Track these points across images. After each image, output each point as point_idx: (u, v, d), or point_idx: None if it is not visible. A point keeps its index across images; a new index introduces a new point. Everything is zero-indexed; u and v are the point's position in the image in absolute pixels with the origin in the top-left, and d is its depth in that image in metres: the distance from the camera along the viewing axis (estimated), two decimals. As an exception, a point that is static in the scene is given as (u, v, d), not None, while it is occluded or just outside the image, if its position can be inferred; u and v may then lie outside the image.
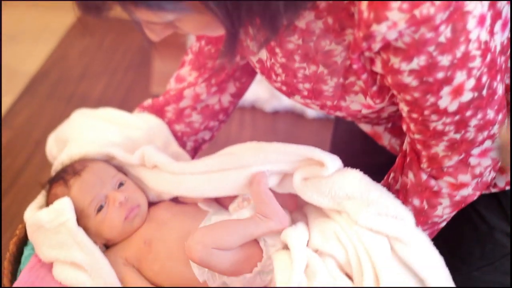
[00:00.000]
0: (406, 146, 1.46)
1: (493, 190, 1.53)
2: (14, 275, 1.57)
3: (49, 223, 1.50)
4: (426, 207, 1.44)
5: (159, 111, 1.75)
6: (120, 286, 1.47)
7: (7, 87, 3.05)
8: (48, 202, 1.56)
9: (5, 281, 1.54)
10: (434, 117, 1.28)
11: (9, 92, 3.02)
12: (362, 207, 1.40)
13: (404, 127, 1.39)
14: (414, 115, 1.31)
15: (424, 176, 1.41)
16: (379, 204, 1.41)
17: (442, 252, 1.40)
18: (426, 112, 1.28)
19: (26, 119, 2.87)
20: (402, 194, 1.46)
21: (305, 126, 2.84)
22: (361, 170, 1.47)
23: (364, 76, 1.30)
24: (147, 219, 1.55)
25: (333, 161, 1.44)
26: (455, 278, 1.40)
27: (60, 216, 1.49)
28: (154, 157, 1.56)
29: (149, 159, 1.57)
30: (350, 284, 1.38)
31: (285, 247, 1.45)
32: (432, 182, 1.41)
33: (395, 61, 1.20)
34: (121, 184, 1.56)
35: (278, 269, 1.39)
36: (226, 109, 1.76)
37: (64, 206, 1.50)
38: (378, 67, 1.26)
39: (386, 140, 1.72)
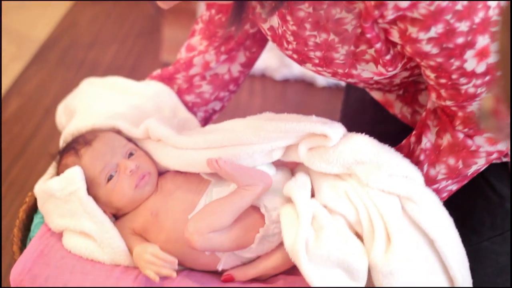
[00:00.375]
0: (431, 105, 1.45)
1: (504, 160, 1.53)
2: (23, 243, 1.58)
3: (60, 192, 1.50)
4: (460, 166, 1.43)
5: (168, 79, 1.74)
6: (128, 255, 1.48)
7: (17, 54, 3.05)
8: (58, 172, 1.56)
9: (15, 248, 1.55)
10: (463, 80, 1.28)
11: (19, 59, 3.02)
12: (373, 170, 1.40)
13: (434, 96, 1.38)
14: (443, 81, 1.30)
15: (460, 136, 1.40)
16: (390, 165, 1.41)
17: (452, 222, 1.40)
18: (454, 76, 1.27)
19: (36, 86, 2.86)
20: (433, 153, 1.45)
21: (315, 94, 2.83)
22: (371, 139, 1.46)
23: (377, 46, 1.29)
24: (154, 191, 1.55)
25: (336, 132, 1.43)
26: (465, 249, 1.40)
27: (70, 184, 1.50)
28: (158, 130, 1.55)
29: (153, 133, 1.56)
30: (358, 242, 1.38)
31: (287, 201, 1.46)
32: (469, 141, 1.40)
33: (412, 31, 1.20)
34: (131, 154, 1.55)
35: (285, 224, 1.40)
36: (236, 79, 1.76)
37: (74, 175, 1.50)
38: (395, 37, 1.25)
39: (398, 109, 1.71)
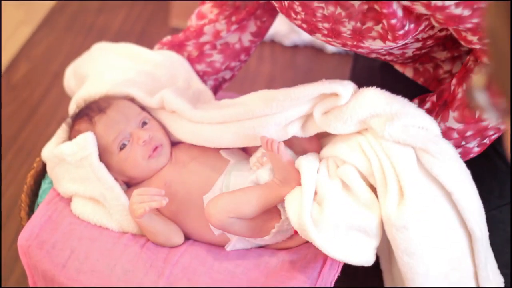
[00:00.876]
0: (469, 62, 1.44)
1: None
2: (31, 209, 1.58)
3: (71, 157, 1.51)
4: None
5: (178, 46, 1.74)
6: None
7: (25, 18, 3.04)
8: (70, 138, 1.57)
9: (23, 214, 1.55)
10: None
11: (28, 24, 3.00)
12: (387, 121, 1.38)
13: (487, 60, 1.36)
14: None
15: None
16: (404, 115, 1.39)
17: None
18: None
19: (44, 51, 2.85)
20: None
21: (325, 61, 2.80)
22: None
23: (393, 21, 1.28)
24: (169, 161, 1.54)
25: (346, 88, 1.42)
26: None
27: (82, 150, 1.50)
28: (173, 102, 1.55)
29: (168, 105, 1.56)
30: (368, 193, 1.38)
31: None
32: None
33: (437, 1, 1.19)
34: (144, 123, 1.55)
35: (288, 201, 1.40)
36: (247, 48, 1.75)
37: (87, 141, 1.50)
38: (421, 10, 1.25)
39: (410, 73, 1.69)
